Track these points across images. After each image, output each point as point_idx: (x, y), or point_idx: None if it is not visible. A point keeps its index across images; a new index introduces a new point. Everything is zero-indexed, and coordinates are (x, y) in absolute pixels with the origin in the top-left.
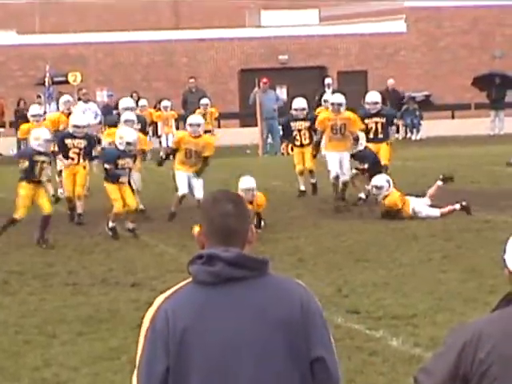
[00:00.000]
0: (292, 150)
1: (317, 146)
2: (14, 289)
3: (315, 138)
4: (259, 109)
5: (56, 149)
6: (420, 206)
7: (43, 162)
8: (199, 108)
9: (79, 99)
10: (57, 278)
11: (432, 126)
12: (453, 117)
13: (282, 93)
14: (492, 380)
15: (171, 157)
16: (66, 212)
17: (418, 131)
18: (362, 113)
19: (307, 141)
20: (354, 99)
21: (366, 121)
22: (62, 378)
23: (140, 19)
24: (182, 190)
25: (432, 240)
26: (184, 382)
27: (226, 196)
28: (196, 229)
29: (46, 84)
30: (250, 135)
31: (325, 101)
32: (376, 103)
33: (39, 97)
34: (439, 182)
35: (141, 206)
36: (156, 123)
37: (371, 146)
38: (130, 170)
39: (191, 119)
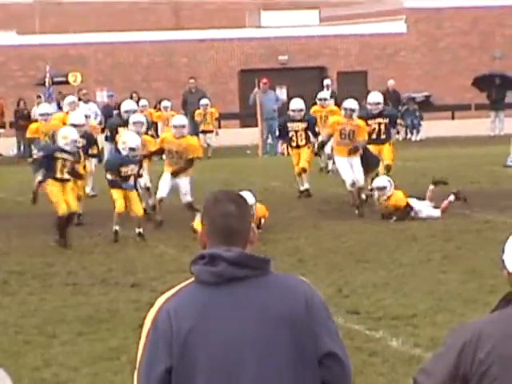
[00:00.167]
0: (287, 149)
1: (321, 147)
2: (14, 289)
3: (321, 138)
4: (259, 109)
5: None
6: (421, 206)
7: (65, 159)
8: (199, 108)
9: (79, 99)
10: (57, 278)
11: (432, 127)
12: (453, 117)
13: (281, 93)
14: (492, 380)
15: (163, 157)
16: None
17: (418, 132)
18: (363, 113)
19: (303, 142)
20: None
21: (369, 122)
22: (61, 378)
23: (140, 19)
24: (161, 192)
25: (432, 240)
26: (188, 383)
27: (227, 196)
28: (195, 224)
29: (46, 84)
30: (250, 136)
31: (319, 99)
32: (378, 104)
33: (39, 97)
34: (431, 186)
35: (150, 202)
36: (156, 123)
37: (373, 147)
38: (136, 176)
39: (175, 120)
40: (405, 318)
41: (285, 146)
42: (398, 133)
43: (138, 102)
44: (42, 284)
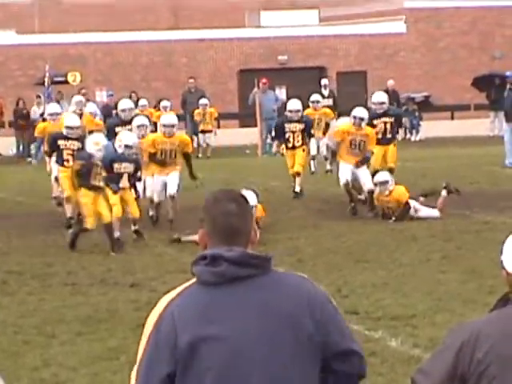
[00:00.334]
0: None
1: (333, 156)
2: (13, 289)
3: (331, 146)
4: (258, 109)
5: (48, 149)
6: (420, 205)
7: (98, 165)
8: (198, 108)
9: None
10: (56, 278)
11: (431, 127)
12: (452, 117)
13: (281, 93)
14: (490, 380)
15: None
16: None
17: (417, 132)
18: (369, 114)
19: (299, 143)
20: (353, 100)
21: (375, 121)
22: (61, 378)
23: (139, 19)
24: (156, 197)
25: (431, 241)
26: None
27: (227, 195)
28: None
29: (46, 84)
30: (250, 135)
31: (312, 102)
32: (382, 103)
33: (39, 97)
34: (421, 198)
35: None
36: (156, 123)
37: (379, 147)
38: (133, 177)
39: (165, 119)
40: (404, 318)
41: (283, 146)
42: (397, 133)
43: (137, 102)
44: (42, 284)
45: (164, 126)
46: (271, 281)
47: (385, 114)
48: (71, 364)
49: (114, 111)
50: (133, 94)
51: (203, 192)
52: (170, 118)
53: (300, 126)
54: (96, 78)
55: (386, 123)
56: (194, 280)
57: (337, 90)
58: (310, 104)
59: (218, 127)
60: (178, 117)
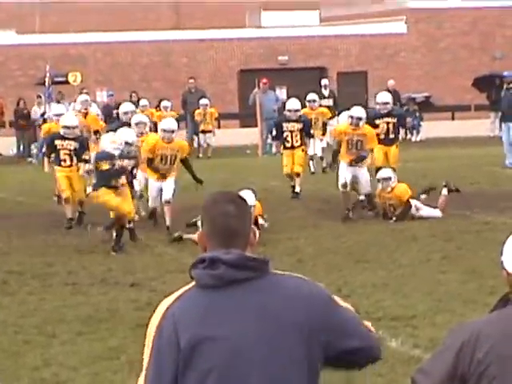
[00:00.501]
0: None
1: (334, 157)
2: (14, 289)
3: (333, 145)
4: (259, 109)
5: (45, 150)
6: (421, 204)
7: (126, 169)
8: (199, 108)
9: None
10: (56, 278)
11: (432, 127)
12: (453, 118)
13: (281, 93)
14: (490, 380)
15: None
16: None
17: (417, 132)
18: (372, 114)
19: (298, 143)
20: (353, 100)
21: (377, 121)
22: (61, 378)
23: (140, 19)
24: (152, 203)
25: (432, 241)
26: None
27: (226, 197)
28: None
29: (46, 84)
30: (250, 136)
31: (308, 101)
32: (386, 103)
33: (39, 97)
34: (422, 196)
35: (142, 213)
36: (156, 124)
37: (381, 147)
38: (132, 172)
39: (166, 124)
40: (404, 318)
41: (276, 145)
42: (398, 133)
43: (137, 102)
44: (42, 284)
45: (164, 130)
46: (269, 283)
47: (388, 115)
48: (72, 364)
49: (114, 111)
50: (133, 94)
51: (202, 193)
52: (169, 123)
53: (298, 126)
54: (96, 78)
55: (388, 123)
56: (193, 283)
57: (337, 90)
58: (307, 103)
59: (219, 127)
60: (179, 117)
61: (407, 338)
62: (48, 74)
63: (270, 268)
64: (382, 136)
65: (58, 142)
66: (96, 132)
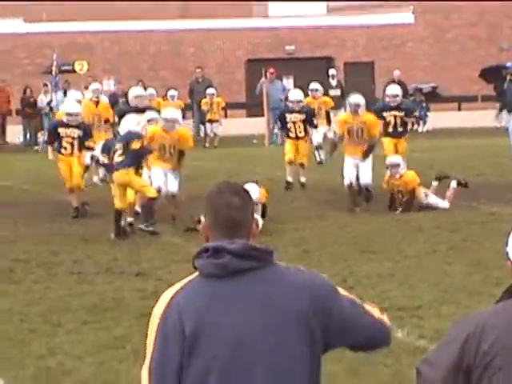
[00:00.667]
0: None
1: (333, 147)
2: (19, 277)
3: (333, 138)
4: (266, 99)
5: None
6: (430, 192)
7: (152, 150)
8: (205, 98)
9: (86, 88)
10: (62, 267)
11: (439, 118)
12: (459, 109)
13: (288, 83)
14: (496, 371)
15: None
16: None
17: (424, 123)
18: (380, 105)
19: (302, 133)
20: (360, 90)
21: (385, 114)
22: (66, 367)
23: (149, 7)
24: (156, 185)
25: (438, 232)
26: (201, 377)
27: (230, 188)
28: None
29: (53, 73)
30: (257, 125)
31: (311, 90)
32: (396, 96)
33: (46, 85)
34: (434, 183)
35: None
36: None
37: (389, 139)
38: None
39: (168, 113)
40: (410, 309)
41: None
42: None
43: (144, 91)
44: (48, 272)
45: (166, 120)
46: (273, 274)
47: (396, 108)
48: (77, 353)
49: (120, 100)
50: (140, 83)
51: (206, 182)
52: (173, 112)
53: (301, 117)
54: (104, 66)
55: (395, 117)
56: (197, 273)
57: (344, 80)
58: (310, 92)
59: (226, 117)
60: (185, 106)
61: (413, 329)
62: (55, 63)
63: (274, 258)
64: (391, 129)
65: (61, 130)
66: (107, 121)
